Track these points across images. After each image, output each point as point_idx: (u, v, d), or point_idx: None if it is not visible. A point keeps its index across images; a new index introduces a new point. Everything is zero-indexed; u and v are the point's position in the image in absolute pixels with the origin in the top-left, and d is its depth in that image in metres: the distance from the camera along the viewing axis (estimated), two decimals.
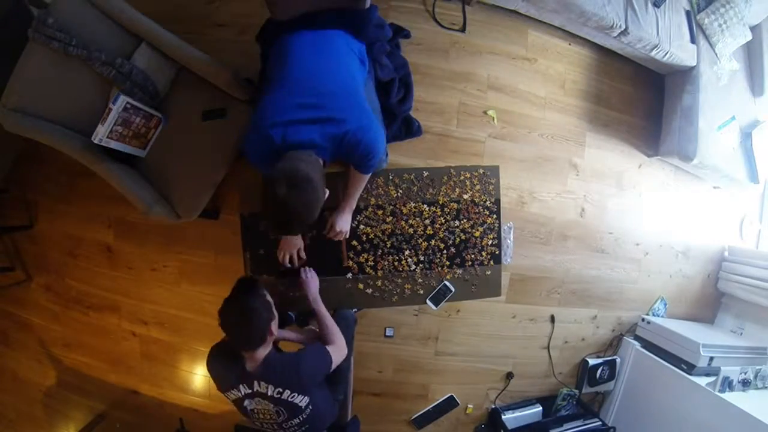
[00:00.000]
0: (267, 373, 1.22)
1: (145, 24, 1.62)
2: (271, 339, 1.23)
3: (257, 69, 1.64)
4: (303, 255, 1.58)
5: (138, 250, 2.23)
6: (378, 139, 1.25)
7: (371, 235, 1.66)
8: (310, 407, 1.28)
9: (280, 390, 1.22)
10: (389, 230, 1.66)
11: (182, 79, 1.78)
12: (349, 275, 1.67)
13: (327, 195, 1.15)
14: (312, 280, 1.52)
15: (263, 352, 1.22)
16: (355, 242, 1.66)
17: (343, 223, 1.51)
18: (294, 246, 1.54)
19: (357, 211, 1.64)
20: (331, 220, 1.51)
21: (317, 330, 1.50)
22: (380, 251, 1.66)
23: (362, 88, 1.33)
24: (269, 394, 1.22)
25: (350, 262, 1.66)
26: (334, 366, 1.34)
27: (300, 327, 1.73)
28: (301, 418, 1.28)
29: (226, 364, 1.27)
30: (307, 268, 1.56)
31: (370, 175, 1.43)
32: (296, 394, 1.24)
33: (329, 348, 1.36)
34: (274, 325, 1.24)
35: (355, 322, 1.78)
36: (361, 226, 1.65)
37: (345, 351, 1.43)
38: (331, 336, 1.42)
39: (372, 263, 1.66)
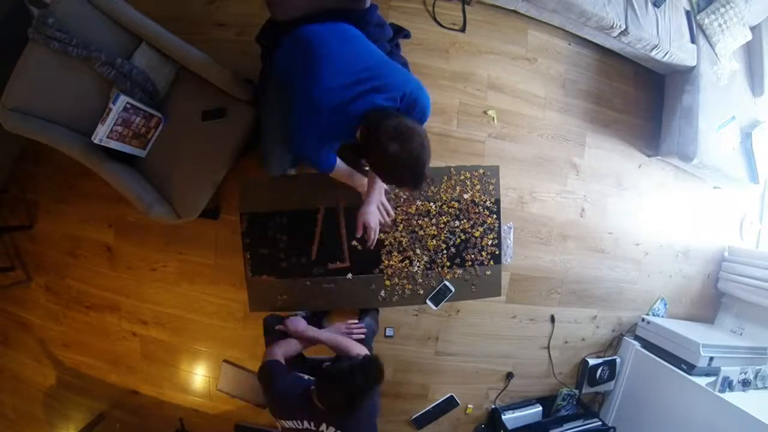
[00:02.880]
0: (345, 422, 1.15)
1: (145, 24, 1.62)
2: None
3: (257, 69, 1.64)
4: (391, 212, 1.55)
5: (138, 250, 2.23)
6: (426, 96, 1.29)
7: (386, 241, 1.66)
8: None
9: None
10: (402, 233, 1.67)
11: (182, 79, 1.78)
12: (349, 275, 1.67)
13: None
14: (298, 324, 1.44)
15: None
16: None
17: (372, 217, 1.46)
18: (376, 215, 1.48)
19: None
20: (360, 221, 1.45)
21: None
22: (395, 253, 1.67)
23: (389, 57, 1.35)
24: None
25: (348, 262, 1.65)
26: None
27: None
28: None
29: (293, 391, 1.20)
30: (289, 318, 1.50)
31: None
32: None
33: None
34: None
35: (375, 332, 1.74)
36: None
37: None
38: (350, 348, 1.37)
39: (387, 265, 1.66)
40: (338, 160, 1.44)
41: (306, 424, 1.15)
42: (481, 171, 1.72)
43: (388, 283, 1.69)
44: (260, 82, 1.66)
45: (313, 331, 1.42)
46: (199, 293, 2.22)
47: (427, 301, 1.71)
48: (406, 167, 1.10)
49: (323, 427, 1.14)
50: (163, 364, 2.32)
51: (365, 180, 1.53)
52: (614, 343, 2.61)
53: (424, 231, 1.69)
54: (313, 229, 1.65)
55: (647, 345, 2.47)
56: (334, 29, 1.30)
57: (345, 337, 1.45)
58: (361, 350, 1.37)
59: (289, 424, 1.17)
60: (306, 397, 1.16)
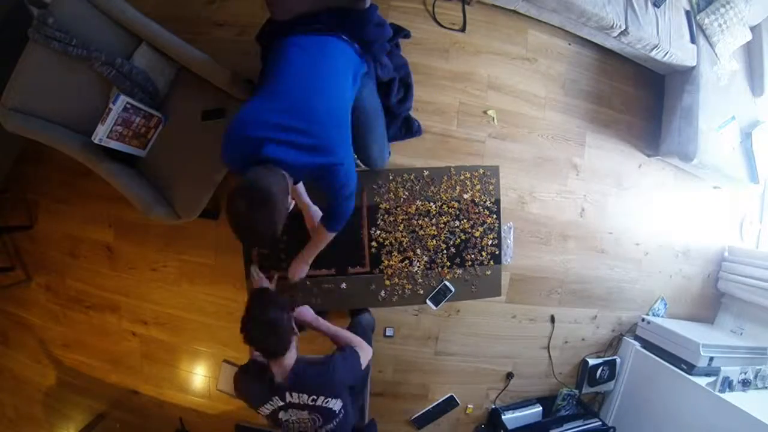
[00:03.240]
0: (298, 384, 1.21)
1: (145, 24, 1.62)
2: (296, 339, 1.24)
3: (257, 69, 1.64)
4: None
5: (138, 250, 2.23)
6: (351, 175, 1.25)
7: (386, 241, 1.66)
8: (343, 411, 1.27)
9: (314, 397, 1.22)
10: (403, 233, 1.67)
11: (182, 79, 1.78)
12: (343, 285, 1.67)
13: (291, 207, 1.13)
14: (304, 310, 1.47)
15: (290, 358, 1.22)
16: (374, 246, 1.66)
17: (299, 272, 1.54)
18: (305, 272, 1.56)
19: (373, 220, 1.65)
20: (290, 266, 1.55)
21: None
22: (395, 253, 1.67)
23: (349, 114, 1.31)
24: (303, 402, 1.22)
25: (368, 266, 1.65)
26: (364, 366, 1.34)
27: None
28: (335, 423, 1.27)
29: (254, 382, 1.28)
30: (294, 302, 1.51)
31: (333, 235, 1.43)
32: (330, 399, 1.23)
33: (357, 349, 1.35)
34: (294, 336, 1.24)
35: (372, 328, 1.77)
36: (378, 232, 1.66)
37: (370, 351, 1.42)
38: (350, 340, 1.40)
39: (387, 265, 1.67)
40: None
41: (277, 401, 1.23)
42: (481, 171, 1.72)
43: (388, 283, 1.69)
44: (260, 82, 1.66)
45: (318, 322, 1.45)
46: (199, 293, 2.23)
47: (427, 301, 1.71)
48: (237, 225, 1.07)
49: (288, 396, 1.22)
50: (163, 364, 2.32)
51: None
52: (614, 343, 2.61)
53: (424, 231, 1.69)
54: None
55: (647, 345, 2.47)
56: (317, 47, 1.28)
57: (346, 330, 1.47)
58: (361, 343, 1.40)
59: (265, 409, 1.26)
60: (267, 378, 1.24)
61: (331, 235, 1.44)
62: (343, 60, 1.32)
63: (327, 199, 1.31)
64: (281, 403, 1.23)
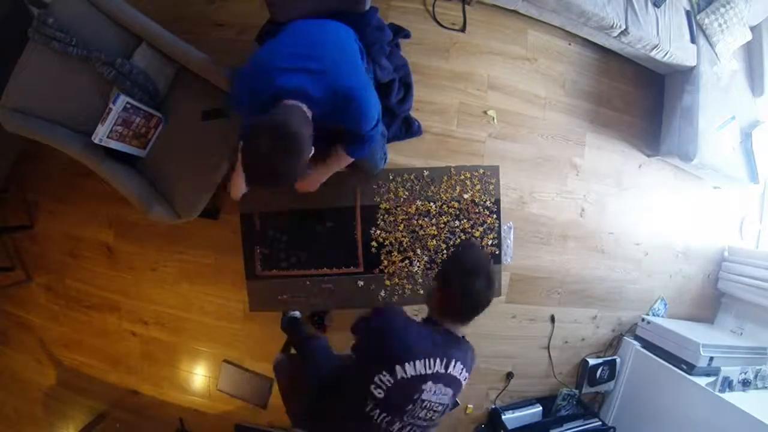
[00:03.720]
0: (458, 351, 1.04)
1: (145, 24, 1.62)
2: None
3: None
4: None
5: (138, 250, 2.23)
6: (373, 103, 1.20)
7: (386, 241, 1.66)
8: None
9: (467, 375, 1.07)
10: (403, 233, 1.67)
11: (182, 79, 1.78)
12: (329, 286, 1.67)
13: (312, 152, 1.07)
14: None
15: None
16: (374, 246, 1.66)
17: (311, 184, 1.48)
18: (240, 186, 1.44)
19: (373, 220, 1.65)
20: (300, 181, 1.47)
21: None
22: (395, 253, 1.67)
23: (362, 62, 1.28)
24: (459, 377, 1.04)
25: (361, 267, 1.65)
26: None
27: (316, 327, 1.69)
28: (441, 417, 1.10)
29: (421, 326, 1.07)
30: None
31: (351, 160, 1.39)
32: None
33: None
34: None
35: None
36: (378, 231, 1.66)
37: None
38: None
39: (387, 264, 1.67)
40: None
41: (438, 366, 1.00)
42: (481, 171, 1.72)
43: (388, 283, 1.69)
44: None
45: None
46: (199, 293, 2.22)
47: None
48: (259, 165, 1.00)
49: (452, 367, 1.02)
50: (163, 364, 2.32)
51: None
52: (614, 343, 2.61)
53: (424, 231, 1.69)
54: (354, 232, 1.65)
55: (647, 345, 2.47)
56: (319, 20, 1.29)
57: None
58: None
59: (414, 369, 0.98)
60: (431, 324, 1.07)
61: (349, 159, 1.38)
62: (345, 29, 1.31)
63: (347, 127, 1.24)
64: (443, 371, 1.02)
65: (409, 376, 0.97)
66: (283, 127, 0.98)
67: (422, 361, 0.98)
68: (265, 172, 0.99)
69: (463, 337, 1.12)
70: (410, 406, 0.99)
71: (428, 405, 1.01)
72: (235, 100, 1.19)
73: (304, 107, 1.08)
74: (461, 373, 1.04)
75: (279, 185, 1.04)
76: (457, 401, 1.15)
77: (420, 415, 1.01)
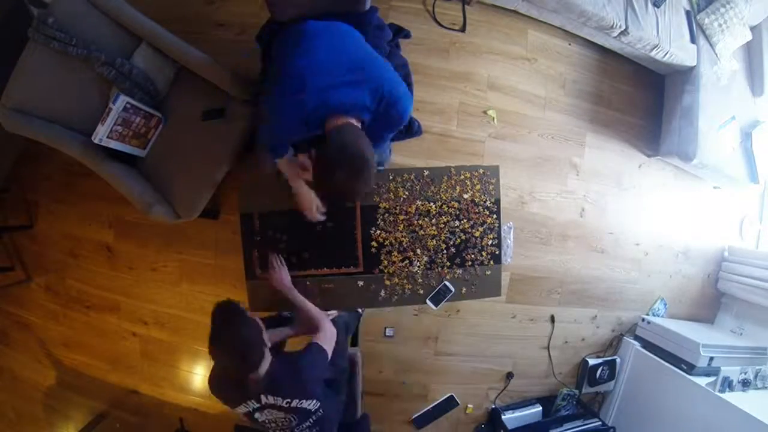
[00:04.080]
0: (272, 387, 1.21)
1: (145, 24, 1.62)
2: (267, 350, 1.21)
3: (257, 69, 1.64)
4: (322, 208, 1.51)
5: (138, 250, 2.23)
6: (410, 102, 1.24)
7: (386, 241, 1.66)
8: (321, 408, 1.28)
9: (288, 400, 1.22)
10: (403, 233, 1.67)
11: (182, 79, 1.78)
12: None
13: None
14: (283, 270, 1.52)
15: (265, 366, 1.20)
16: (374, 247, 1.66)
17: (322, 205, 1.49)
18: (313, 200, 1.48)
19: (373, 220, 1.65)
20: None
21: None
22: (395, 253, 1.67)
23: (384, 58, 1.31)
24: (278, 404, 1.22)
25: (361, 267, 1.65)
26: (330, 354, 1.34)
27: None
28: (312, 420, 1.29)
29: (228, 386, 1.28)
30: (277, 257, 1.54)
31: None
32: (305, 400, 1.24)
33: (318, 336, 1.35)
34: (266, 336, 1.22)
35: (353, 327, 1.78)
36: (378, 231, 1.66)
37: (333, 332, 1.42)
38: (316, 321, 1.42)
39: (387, 264, 1.67)
40: (290, 152, 1.38)
41: (253, 404, 1.23)
42: (481, 171, 1.72)
43: (388, 283, 1.69)
44: (261, 82, 1.66)
45: (293, 292, 1.48)
46: (199, 293, 2.23)
47: (427, 301, 1.71)
48: (340, 194, 1.09)
49: (263, 398, 1.22)
50: (163, 364, 2.32)
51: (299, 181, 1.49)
52: (614, 343, 2.61)
53: (424, 231, 1.68)
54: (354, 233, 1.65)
55: (647, 345, 2.47)
56: (329, 24, 1.28)
57: (318, 310, 1.47)
58: (321, 322, 1.41)
59: (241, 409, 1.26)
60: (239, 385, 1.23)
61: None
62: (350, 27, 1.31)
63: (380, 127, 1.25)
64: (257, 405, 1.24)
65: (243, 413, 1.27)
66: (360, 158, 1.04)
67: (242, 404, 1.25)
68: (347, 198, 1.12)
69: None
70: (260, 426, 1.29)
71: (271, 423, 1.27)
72: (273, 146, 1.23)
73: (355, 121, 1.13)
74: (276, 400, 1.21)
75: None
76: (318, 408, 1.28)
77: (274, 426, 1.28)
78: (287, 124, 1.17)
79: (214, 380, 1.31)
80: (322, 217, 1.50)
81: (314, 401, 1.26)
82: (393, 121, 1.23)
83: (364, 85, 1.13)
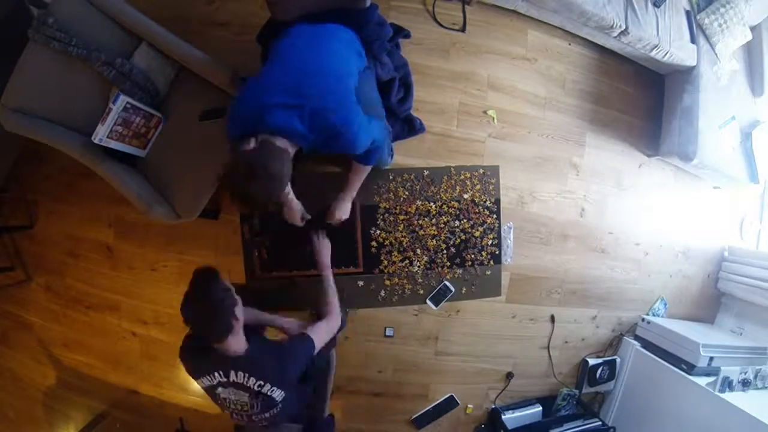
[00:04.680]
0: (249, 365, 1.21)
1: (145, 24, 1.62)
2: (238, 325, 1.21)
3: (257, 69, 1.64)
4: (307, 215, 1.59)
5: (138, 250, 2.23)
6: (361, 134, 1.25)
7: (386, 241, 1.66)
8: (285, 401, 1.28)
9: (261, 383, 1.21)
10: (403, 233, 1.67)
11: (182, 79, 1.78)
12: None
13: (290, 176, 1.17)
14: (324, 248, 1.52)
15: (234, 341, 1.20)
16: (374, 246, 1.66)
17: (343, 212, 1.55)
18: (296, 211, 1.56)
19: (373, 220, 1.65)
20: (332, 208, 1.55)
21: (300, 323, 1.49)
22: (395, 253, 1.67)
23: (355, 77, 1.32)
24: (248, 385, 1.21)
25: (361, 267, 1.66)
26: (317, 349, 1.34)
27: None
28: (273, 413, 1.28)
29: (200, 351, 1.26)
30: (319, 232, 1.55)
31: (369, 167, 1.45)
32: (275, 388, 1.23)
33: (319, 326, 1.35)
34: (239, 311, 1.22)
35: (340, 328, 1.78)
36: (378, 231, 1.66)
37: (335, 329, 1.43)
38: (330, 308, 1.42)
39: (387, 264, 1.67)
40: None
41: (219, 377, 1.22)
42: (481, 171, 1.72)
43: (388, 283, 1.69)
44: None
45: (328, 271, 1.50)
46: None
47: (427, 301, 1.71)
48: (237, 195, 1.13)
49: (234, 375, 1.21)
50: (163, 364, 2.32)
51: None
52: (614, 343, 2.61)
53: (424, 231, 1.69)
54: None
55: (647, 345, 2.47)
56: (317, 29, 1.30)
57: (337, 302, 1.48)
58: (335, 319, 1.42)
59: (204, 381, 1.25)
60: (211, 352, 1.23)
61: (367, 168, 1.45)
62: (342, 38, 1.33)
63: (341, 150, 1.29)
64: (223, 380, 1.22)
65: (204, 386, 1.27)
66: (263, 168, 1.09)
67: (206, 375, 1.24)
68: (243, 199, 1.13)
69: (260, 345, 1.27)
70: (219, 402, 1.28)
71: (231, 403, 1.26)
72: (229, 126, 1.25)
73: (289, 144, 1.18)
74: (247, 380, 1.21)
75: (260, 208, 1.22)
76: (282, 401, 1.27)
77: (233, 407, 1.26)
78: (240, 128, 1.21)
79: (185, 346, 1.30)
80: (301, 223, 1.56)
81: (283, 392, 1.25)
82: (344, 147, 1.25)
83: (304, 115, 1.16)
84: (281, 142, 1.16)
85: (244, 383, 1.21)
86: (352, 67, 1.32)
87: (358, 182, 1.51)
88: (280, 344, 1.29)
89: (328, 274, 1.48)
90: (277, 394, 1.24)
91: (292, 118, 1.16)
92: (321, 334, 1.34)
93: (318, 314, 1.42)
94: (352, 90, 1.28)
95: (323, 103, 1.18)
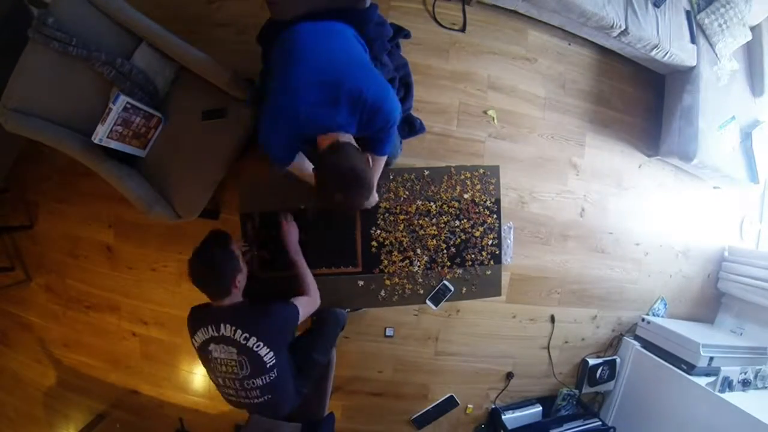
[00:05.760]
0: (235, 317, 1.25)
1: (145, 24, 1.62)
2: (237, 292, 1.30)
3: (257, 69, 1.64)
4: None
5: (138, 250, 2.23)
6: (394, 102, 1.26)
7: (386, 241, 1.66)
8: (275, 371, 1.29)
9: (247, 336, 1.24)
10: (403, 233, 1.67)
11: (182, 79, 1.78)
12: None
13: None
14: (292, 229, 1.54)
15: (229, 300, 1.28)
16: (374, 246, 1.66)
17: (371, 200, 1.54)
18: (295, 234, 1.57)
19: (373, 220, 1.65)
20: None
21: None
22: (395, 253, 1.67)
23: (371, 62, 1.33)
24: (235, 338, 1.24)
25: (360, 266, 1.66)
26: (301, 318, 1.36)
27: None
28: (264, 381, 1.28)
29: (198, 311, 1.35)
30: (288, 215, 1.57)
31: (385, 158, 1.45)
32: (262, 345, 1.25)
33: (302, 299, 1.39)
34: (241, 278, 1.30)
35: (341, 326, 1.78)
36: (378, 231, 1.66)
37: (317, 303, 1.46)
38: (308, 287, 1.46)
39: (387, 264, 1.67)
40: (298, 157, 1.42)
41: (211, 331, 1.27)
42: (482, 171, 1.72)
43: (388, 282, 1.69)
44: (261, 82, 1.66)
45: (298, 255, 1.52)
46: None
47: (427, 301, 1.71)
48: (341, 209, 1.17)
49: (223, 328, 1.25)
50: (163, 364, 2.32)
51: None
52: (614, 343, 2.61)
53: (425, 231, 1.68)
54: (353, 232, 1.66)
55: (647, 345, 2.47)
56: (321, 25, 1.30)
57: (313, 280, 1.51)
58: (310, 291, 1.46)
59: (199, 337, 1.30)
60: (205, 306, 1.32)
61: (383, 159, 1.45)
62: (350, 33, 1.34)
63: (373, 133, 1.30)
64: (215, 334, 1.26)
65: (199, 343, 1.30)
66: (353, 175, 1.10)
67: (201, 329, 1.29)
68: (348, 211, 1.22)
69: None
70: (212, 365, 1.30)
71: (222, 365, 1.28)
72: (277, 157, 1.28)
73: (347, 136, 1.19)
74: (234, 333, 1.24)
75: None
76: (273, 366, 1.30)
77: (224, 370, 1.28)
78: (283, 138, 1.22)
79: (192, 308, 1.37)
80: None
81: (270, 352, 1.27)
82: (383, 124, 1.26)
83: (345, 103, 1.17)
84: (343, 138, 1.17)
85: (232, 336, 1.24)
86: (365, 56, 1.33)
87: (378, 172, 1.50)
88: (266, 304, 1.32)
89: (299, 258, 1.50)
90: (264, 353, 1.26)
91: (333, 111, 1.16)
92: (304, 303, 1.38)
93: (299, 293, 1.46)
94: (373, 69, 1.29)
95: (354, 84, 1.17)
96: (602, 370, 2.51)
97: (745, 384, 2.17)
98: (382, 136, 1.32)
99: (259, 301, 1.34)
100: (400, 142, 1.74)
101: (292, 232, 1.53)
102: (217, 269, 1.25)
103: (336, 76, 1.17)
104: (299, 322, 1.36)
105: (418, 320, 2.29)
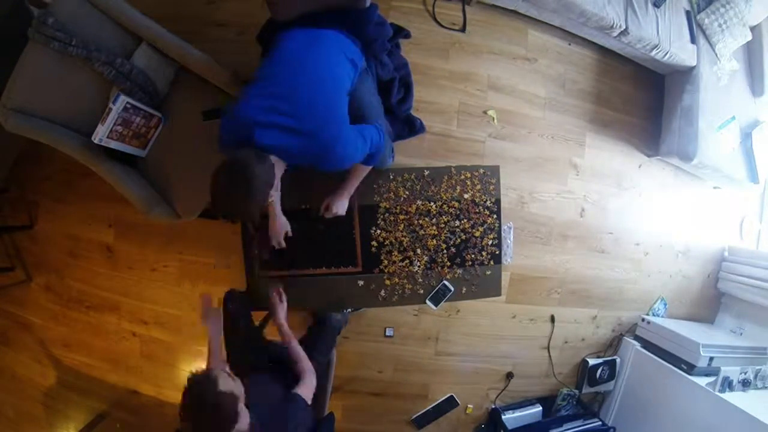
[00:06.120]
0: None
1: (145, 24, 1.62)
2: (243, 419, 1.04)
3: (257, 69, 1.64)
4: (290, 233, 1.57)
5: (138, 250, 2.23)
6: (348, 150, 1.26)
7: (386, 241, 1.66)
8: None
9: None
10: (403, 233, 1.67)
11: (182, 79, 1.78)
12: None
13: (271, 199, 1.21)
14: (282, 305, 1.47)
15: (245, 420, 1.06)
16: (374, 246, 1.66)
17: (339, 207, 1.54)
18: (281, 226, 1.54)
19: (373, 220, 1.65)
20: (327, 201, 1.54)
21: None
22: (395, 253, 1.67)
23: (347, 84, 1.32)
24: None
25: (360, 266, 1.66)
26: (309, 402, 1.29)
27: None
28: None
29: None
30: (279, 290, 1.52)
31: (370, 167, 1.45)
32: None
33: (301, 387, 1.30)
34: (241, 411, 1.04)
35: (339, 329, 1.76)
36: (378, 231, 1.66)
37: (314, 385, 1.36)
38: (303, 371, 1.37)
39: (387, 264, 1.67)
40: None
41: None
42: (482, 171, 1.72)
43: (388, 282, 1.69)
44: None
45: (287, 333, 1.45)
46: (199, 293, 2.22)
47: (427, 301, 1.71)
48: (214, 198, 1.14)
49: None
50: (163, 364, 2.32)
51: None
52: (614, 343, 2.61)
53: (425, 231, 1.69)
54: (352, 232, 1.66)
55: (647, 345, 2.47)
56: (311, 36, 1.29)
57: (308, 360, 1.42)
58: (307, 373, 1.37)
59: None
60: None
61: (368, 168, 1.46)
62: (336, 46, 1.32)
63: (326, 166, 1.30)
64: None
65: None
66: (238, 171, 1.10)
67: None
68: (219, 204, 1.14)
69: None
70: None
71: None
72: (221, 146, 1.28)
73: (277, 160, 1.20)
74: None
75: (234, 217, 1.21)
76: None
77: None
78: (232, 141, 1.22)
79: None
80: (283, 244, 1.56)
81: None
82: (332, 164, 1.26)
83: (292, 134, 1.18)
84: (272, 158, 1.18)
85: None
86: (344, 75, 1.31)
87: (357, 180, 1.51)
88: (281, 408, 1.21)
89: (289, 337, 1.43)
90: None
91: (281, 137, 1.17)
92: (305, 391, 1.30)
93: (296, 375, 1.37)
94: (344, 99, 1.28)
95: (312, 120, 1.18)
96: (602, 370, 2.51)
97: (745, 384, 2.17)
98: (336, 169, 1.32)
99: (260, 383, 1.25)
100: (392, 150, 1.73)
101: (280, 309, 1.47)
102: (213, 412, 0.99)
103: (297, 110, 1.18)
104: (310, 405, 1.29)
105: (418, 320, 2.29)
